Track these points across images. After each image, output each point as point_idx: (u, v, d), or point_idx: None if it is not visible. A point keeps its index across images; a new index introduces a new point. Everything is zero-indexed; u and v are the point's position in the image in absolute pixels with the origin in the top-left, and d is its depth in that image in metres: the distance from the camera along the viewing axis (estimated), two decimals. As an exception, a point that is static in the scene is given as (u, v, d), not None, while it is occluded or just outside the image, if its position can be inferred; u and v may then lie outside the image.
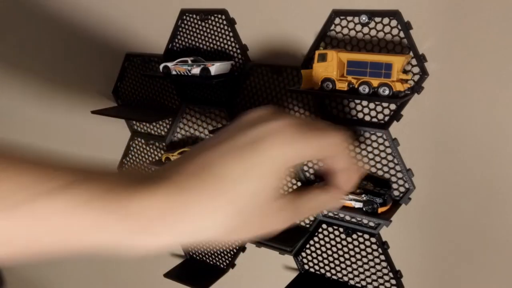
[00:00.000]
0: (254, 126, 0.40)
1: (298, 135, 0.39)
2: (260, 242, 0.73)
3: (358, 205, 0.57)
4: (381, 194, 0.56)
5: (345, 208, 0.58)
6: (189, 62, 0.66)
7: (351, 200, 0.57)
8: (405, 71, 0.55)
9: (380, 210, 0.56)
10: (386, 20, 0.55)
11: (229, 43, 0.68)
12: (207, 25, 0.70)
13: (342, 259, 0.67)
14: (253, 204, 0.37)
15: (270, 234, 0.40)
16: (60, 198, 0.32)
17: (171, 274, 0.80)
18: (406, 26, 0.53)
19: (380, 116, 0.59)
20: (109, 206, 0.33)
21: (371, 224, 0.63)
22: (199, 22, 0.70)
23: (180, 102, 0.76)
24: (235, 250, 0.79)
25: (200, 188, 0.36)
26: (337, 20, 0.58)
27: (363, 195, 0.56)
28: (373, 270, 0.65)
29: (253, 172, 0.37)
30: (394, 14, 0.54)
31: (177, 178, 0.36)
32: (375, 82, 0.52)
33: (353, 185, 0.45)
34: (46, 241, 0.32)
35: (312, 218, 0.68)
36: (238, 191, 0.37)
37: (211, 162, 0.38)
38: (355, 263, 0.66)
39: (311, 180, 0.67)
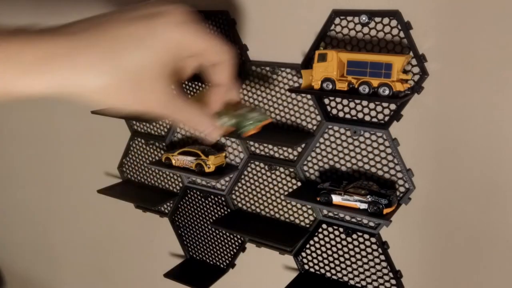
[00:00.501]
0: (152, 4, 0.42)
1: (193, 24, 0.41)
2: (260, 242, 0.73)
3: (363, 206, 0.57)
4: (386, 195, 0.56)
5: (349, 209, 0.57)
6: (189, 62, 0.66)
7: (356, 201, 0.57)
8: (405, 71, 0.55)
9: (386, 211, 0.56)
10: (386, 20, 0.55)
11: (229, 43, 0.68)
12: (207, 26, 0.70)
13: (342, 259, 0.67)
14: (136, 73, 0.39)
15: (144, 113, 0.41)
16: None
17: (171, 274, 0.80)
18: (406, 26, 0.53)
19: (380, 116, 0.59)
20: None
21: (371, 224, 0.63)
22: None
23: (180, 102, 0.76)
24: (235, 250, 0.79)
25: (89, 42, 0.37)
26: (337, 20, 0.58)
27: (368, 196, 0.56)
28: (373, 270, 0.65)
29: (145, 43, 0.39)
30: (394, 14, 0.54)
31: (68, 29, 0.38)
32: (375, 82, 0.52)
33: (221, 104, 0.48)
34: None
35: (312, 218, 0.68)
36: (127, 55, 0.38)
37: (107, 24, 0.39)
38: (355, 263, 0.66)
39: (311, 180, 0.67)
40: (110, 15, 0.41)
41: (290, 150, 0.68)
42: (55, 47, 0.37)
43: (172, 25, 0.40)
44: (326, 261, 0.69)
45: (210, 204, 0.79)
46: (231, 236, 0.78)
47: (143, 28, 0.40)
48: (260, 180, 0.72)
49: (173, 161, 0.73)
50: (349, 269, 0.67)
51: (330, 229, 0.67)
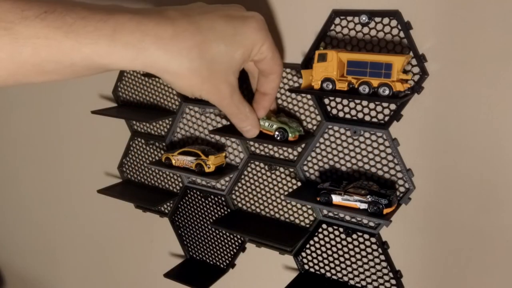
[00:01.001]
0: (239, 8, 0.48)
1: (268, 32, 0.48)
2: (260, 242, 0.73)
3: (363, 206, 0.57)
4: (386, 195, 0.56)
5: (349, 209, 0.57)
6: (189, 62, 0.66)
7: (356, 201, 0.57)
8: (405, 71, 0.55)
9: (386, 211, 0.56)
10: (386, 20, 0.55)
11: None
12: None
13: (342, 259, 0.67)
14: (218, 64, 0.43)
15: (205, 99, 0.47)
16: (37, 24, 0.36)
17: (171, 274, 0.80)
18: (406, 26, 0.53)
19: (380, 116, 0.59)
20: (84, 27, 0.38)
21: (371, 224, 0.63)
22: (199, 22, 0.70)
23: (180, 102, 0.76)
24: (235, 250, 0.79)
25: (187, 29, 0.42)
26: (337, 20, 0.58)
27: (368, 196, 0.56)
28: (373, 270, 0.65)
29: (234, 40, 0.44)
30: (394, 14, 0.54)
31: (167, 14, 0.42)
32: (375, 82, 0.52)
33: (266, 111, 0.56)
34: (30, 63, 0.38)
35: (312, 218, 0.68)
36: (215, 47, 0.43)
37: (204, 15, 0.44)
38: (355, 263, 0.66)
39: (311, 180, 0.67)
40: (205, 7, 0.46)
41: (290, 150, 0.68)
42: (158, 29, 0.40)
43: (257, 30, 0.46)
44: (326, 261, 0.69)
45: (210, 204, 0.79)
46: (231, 236, 0.78)
47: (236, 27, 0.45)
48: (260, 180, 0.72)
49: (173, 161, 0.73)
50: (349, 269, 0.67)
51: (330, 229, 0.67)
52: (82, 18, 0.38)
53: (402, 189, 0.60)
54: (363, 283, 0.66)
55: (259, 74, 0.54)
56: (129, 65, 0.41)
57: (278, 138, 0.60)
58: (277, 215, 0.72)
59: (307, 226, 0.69)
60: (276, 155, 0.69)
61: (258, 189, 0.73)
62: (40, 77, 0.40)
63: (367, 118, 0.60)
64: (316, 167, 0.66)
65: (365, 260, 0.65)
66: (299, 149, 0.66)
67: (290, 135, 0.59)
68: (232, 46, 0.44)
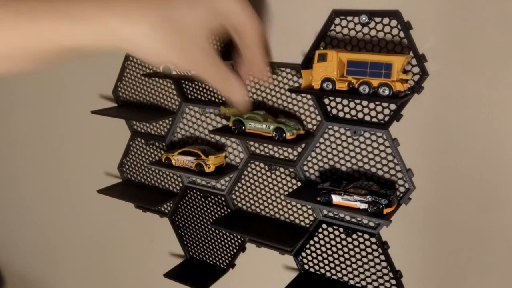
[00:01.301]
0: None
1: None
2: (260, 242, 0.73)
3: (363, 206, 0.57)
4: (386, 195, 0.56)
5: (350, 209, 0.57)
6: (189, 62, 0.66)
7: (356, 201, 0.57)
8: (405, 71, 0.55)
9: (386, 211, 0.56)
10: (386, 20, 0.55)
11: (229, 43, 0.68)
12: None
13: (342, 259, 0.67)
14: (186, 28, 0.41)
15: (185, 69, 0.46)
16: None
17: (171, 274, 0.80)
18: (406, 26, 0.53)
19: (380, 116, 0.59)
20: (44, 9, 0.37)
21: (371, 224, 0.63)
22: (199, 22, 0.70)
23: (180, 102, 0.76)
24: (235, 250, 0.79)
25: None
26: (337, 20, 0.58)
27: (368, 196, 0.56)
28: (373, 270, 0.65)
29: (197, 3, 0.42)
30: (394, 14, 0.54)
31: None
32: (375, 82, 0.52)
33: (246, 79, 0.50)
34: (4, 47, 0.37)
35: (312, 218, 0.68)
36: (179, 11, 0.41)
37: None
38: (355, 263, 0.66)
39: (311, 180, 0.67)
40: None
41: (290, 150, 0.68)
42: (122, 2, 0.38)
43: None
44: (326, 261, 0.69)
45: (210, 204, 0.79)
46: (231, 236, 0.78)
47: None
48: (260, 180, 0.72)
49: (173, 161, 0.73)
50: (349, 269, 0.67)
51: (330, 229, 0.67)
52: (41, 1, 0.37)
53: (402, 189, 0.60)
54: (363, 283, 0.66)
55: (234, 37, 0.50)
56: (96, 43, 0.39)
57: (276, 138, 0.60)
58: (277, 215, 0.72)
59: (307, 226, 0.69)
60: (276, 155, 0.69)
61: (258, 189, 0.73)
62: (11, 66, 0.39)
63: (367, 118, 0.60)
64: (316, 167, 0.66)
65: (365, 260, 0.65)
66: (299, 149, 0.66)
67: (287, 133, 0.59)
68: (198, 10, 0.43)
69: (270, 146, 0.69)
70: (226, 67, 0.47)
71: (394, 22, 0.54)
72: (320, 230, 0.68)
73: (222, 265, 0.81)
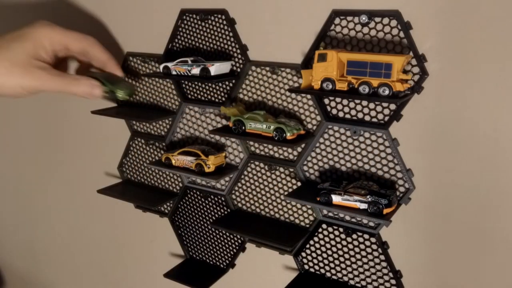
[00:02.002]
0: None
1: (52, 26, 0.65)
2: (260, 242, 0.73)
3: (363, 206, 0.57)
4: (386, 195, 0.56)
5: (349, 209, 0.57)
6: (189, 62, 0.66)
7: (356, 201, 0.57)
8: (405, 71, 0.55)
9: (386, 211, 0.56)
10: (386, 20, 0.55)
11: (229, 43, 0.68)
12: (207, 25, 0.70)
13: (342, 259, 0.67)
14: (14, 58, 0.59)
15: (34, 88, 0.61)
16: None
17: (171, 274, 0.80)
18: (406, 26, 0.53)
19: (380, 116, 0.59)
20: None
21: (371, 224, 0.63)
22: (199, 22, 0.70)
23: (180, 102, 0.76)
24: (235, 250, 0.79)
25: None
26: (337, 20, 0.58)
27: (368, 196, 0.56)
28: (373, 270, 0.65)
29: (20, 37, 0.61)
30: (394, 14, 0.54)
31: None
32: (375, 82, 0.52)
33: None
34: None
35: (312, 218, 0.68)
36: (10, 51, 0.60)
37: None
38: (355, 263, 0.66)
39: (311, 180, 0.67)
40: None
41: (290, 150, 0.68)
42: None
43: (36, 29, 0.63)
44: (326, 261, 0.69)
45: (210, 204, 0.79)
46: (231, 236, 0.78)
47: (21, 31, 0.63)
48: (260, 180, 0.72)
49: (173, 161, 0.73)
50: (349, 269, 0.67)
51: (330, 229, 0.67)
52: None
53: (402, 189, 0.60)
54: (363, 283, 0.66)
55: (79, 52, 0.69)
56: None
57: (276, 138, 0.60)
58: (277, 215, 0.72)
59: (307, 226, 0.69)
60: (276, 155, 0.69)
61: (258, 189, 0.73)
62: None
63: (367, 118, 0.60)
64: (316, 167, 0.66)
65: (365, 260, 0.65)
66: (299, 149, 0.66)
67: (287, 133, 0.59)
68: (20, 42, 0.61)
69: (270, 146, 0.69)
70: (61, 75, 0.63)
71: (394, 22, 0.54)
72: (320, 230, 0.68)
73: (222, 265, 0.81)
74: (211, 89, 0.72)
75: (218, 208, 0.79)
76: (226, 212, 0.77)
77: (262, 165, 0.71)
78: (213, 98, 0.73)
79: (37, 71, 0.61)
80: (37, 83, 0.61)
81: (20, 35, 0.62)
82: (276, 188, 0.71)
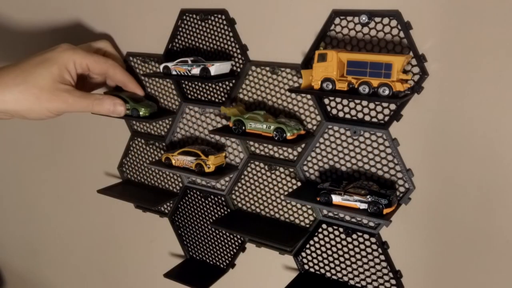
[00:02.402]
0: (46, 50, 0.66)
1: (75, 49, 0.66)
2: (260, 242, 0.73)
3: (363, 206, 0.57)
4: (386, 195, 0.56)
5: (349, 209, 0.57)
6: (189, 62, 0.66)
7: (356, 201, 0.57)
8: (405, 71, 0.55)
9: (386, 211, 0.56)
10: (386, 20, 0.55)
11: (229, 43, 0.68)
12: (207, 25, 0.70)
13: (342, 259, 0.67)
14: (39, 88, 0.61)
15: (55, 113, 0.64)
16: None
17: (171, 274, 0.80)
18: (406, 26, 0.53)
19: (380, 116, 0.59)
20: None
21: (371, 224, 0.63)
22: (199, 22, 0.70)
23: (180, 102, 0.76)
24: (235, 250, 0.79)
25: (7, 72, 0.62)
26: (337, 20, 0.58)
27: (368, 196, 0.56)
28: (373, 270, 0.65)
29: (45, 61, 0.63)
30: (394, 14, 0.54)
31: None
32: (375, 82, 0.52)
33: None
34: None
35: (312, 218, 0.68)
36: (32, 77, 0.61)
37: (20, 63, 0.64)
38: (355, 263, 0.66)
39: (311, 180, 0.67)
40: (22, 60, 0.64)
41: (290, 150, 0.68)
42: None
43: (63, 50, 0.65)
44: (326, 261, 0.69)
45: (210, 204, 0.79)
46: (231, 236, 0.78)
47: (46, 54, 0.64)
48: (260, 180, 0.72)
49: (173, 161, 0.73)
50: (349, 269, 0.67)
51: (330, 229, 0.67)
52: None
53: (402, 189, 0.60)
54: (363, 283, 0.66)
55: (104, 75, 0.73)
56: None
57: (277, 138, 0.60)
58: (277, 215, 0.72)
59: (307, 226, 0.69)
60: (276, 155, 0.69)
61: (258, 189, 0.73)
62: None
63: (367, 118, 0.60)
64: (316, 167, 0.66)
65: (365, 260, 0.65)
66: (299, 149, 0.66)
67: (288, 133, 0.59)
68: (45, 72, 0.62)
69: (270, 146, 0.69)
70: (94, 94, 0.67)
71: (394, 22, 0.54)
72: (320, 230, 0.68)
73: (222, 265, 0.81)
74: (211, 89, 0.72)
75: (218, 208, 0.79)
76: (226, 212, 0.77)
77: (262, 165, 0.71)
78: (213, 98, 0.73)
79: (63, 95, 0.63)
80: (64, 106, 0.63)
81: (46, 59, 0.63)
82: (276, 188, 0.71)
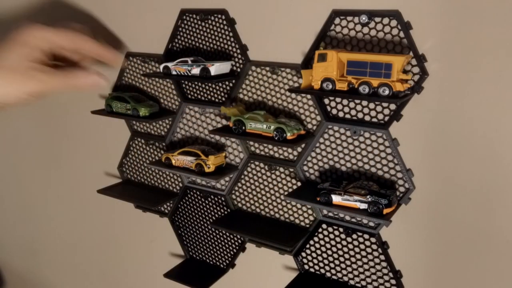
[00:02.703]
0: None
1: (47, 27, 0.61)
2: (260, 242, 0.73)
3: (363, 206, 0.57)
4: (386, 195, 0.56)
5: (349, 209, 0.57)
6: (189, 62, 0.66)
7: (356, 201, 0.57)
8: (405, 71, 0.55)
9: (386, 211, 0.56)
10: (386, 20, 0.55)
11: (229, 43, 0.68)
12: (207, 25, 0.70)
13: (342, 259, 0.67)
14: (13, 65, 0.58)
15: (35, 91, 0.59)
16: None
17: (171, 274, 0.80)
18: (406, 26, 0.53)
19: (380, 116, 0.59)
20: None
21: (371, 224, 0.63)
22: (199, 22, 0.70)
23: (180, 102, 0.76)
24: (235, 250, 0.79)
25: None
26: (337, 20, 0.58)
27: (368, 196, 0.56)
28: (373, 270, 0.65)
29: (9, 47, 0.59)
30: (394, 14, 0.54)
31: None
32: (375, 82, 0.52)
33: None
34: None
35: (312, 218, 0.68)
36: (2, 59, 0.58)
37: None
38: (355, 263, 0.66)
39: (311, 180, 0.67)
40: None
41: (290, 150, 0.68)
42: None
43: (24, 31, 0.61)
44: (326, 261, 0.69)
45: (210, 204, 0.79)
46: (231, 236, 0.78)
47: (7, 36, 0.60)
48: (260, 180, 0.72)
49: (173, 161, 0.73)
50: (349, 269, 0.67)
51: (330, 229, 0.67)
52: None
53: (402, 189, 0.60)
54: (363, 283, 0.66)
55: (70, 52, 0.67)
56: None
57: (277, 138, 0.60)
58: (277, 215, 0.72)
59: (307, 226, 0.69)
60: (276, 155, 0.69)
61: (258, 189, 0.73)
62: None
63: (367, 118, 0.60)
64: (316, 167, 0.66)
65: (365, 260, 0.65)
66: (299, 149, 0.66)
67: (288, 133, 0.59)
68: (15, 48, 0.59)
69: (270, 146, 0.69)
70: (58, 72, 0.62)
71: (394, 22, 0.54)
72: (320, 230, 0.68)
73: (222, 265, 0.81)
74: (211, 89, 0.72)
75: (218, 208, 0.79)
76: (226, 212, 0.77)
77: (262, 165, 0.71)
78: (213, 98, 0.73)
79: (38, 74, 0.60)
80: (40, 84, 0.60)
81: (12, 40, 0.61)
82: (276, 188, 0.71)
